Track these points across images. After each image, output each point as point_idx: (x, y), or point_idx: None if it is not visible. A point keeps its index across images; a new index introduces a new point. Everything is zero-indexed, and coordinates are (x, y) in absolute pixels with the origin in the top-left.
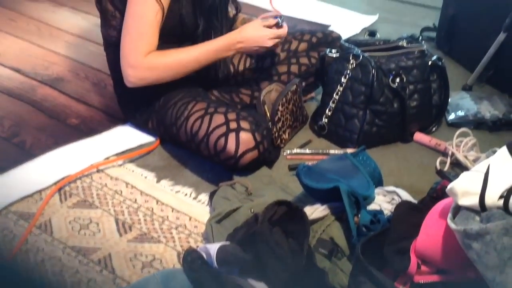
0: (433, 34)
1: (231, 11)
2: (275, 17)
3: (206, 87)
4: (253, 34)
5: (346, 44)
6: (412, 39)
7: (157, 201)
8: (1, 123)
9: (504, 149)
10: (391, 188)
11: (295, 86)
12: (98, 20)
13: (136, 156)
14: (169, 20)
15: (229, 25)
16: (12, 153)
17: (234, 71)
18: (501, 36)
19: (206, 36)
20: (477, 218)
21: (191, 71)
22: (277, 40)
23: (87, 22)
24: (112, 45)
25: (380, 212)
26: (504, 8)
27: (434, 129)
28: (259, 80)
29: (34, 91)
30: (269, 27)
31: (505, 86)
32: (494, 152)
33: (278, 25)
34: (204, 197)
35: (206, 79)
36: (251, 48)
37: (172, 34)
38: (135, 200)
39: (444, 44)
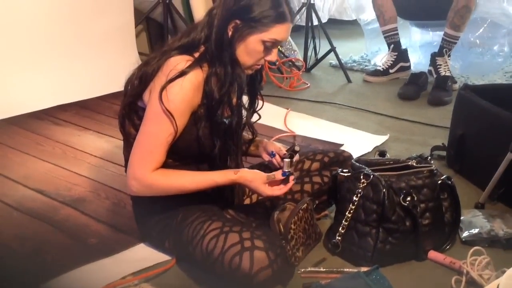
0: (443, 153)
1: (248, 135)
2: (284, 173)
3: (222, 206)
4: (249, 184)
5: (357, 164)
6: (421, 158)
7: None
8: (22, 243)
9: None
10: None
11: (305, 204)
12: (119, 142)
13: (152, 275)
14: (187, 141)
15: (245, 148)
16: (31, 273)
17: (249, 202)
18: (509, 156)
19: (223, 158)
20: None
21: (190, 193)
22: (275, 192)
23: (110, 144)
24: None
25: None
26: (510, 128)
27: (448, 247)
28: (273, 199)
29: (56, 212)
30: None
31: None
32: (504, 272)
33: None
34: None
35: (221, 199)
36: (250, 189)
37: (190, 153)
38: None
39: (455, 162)
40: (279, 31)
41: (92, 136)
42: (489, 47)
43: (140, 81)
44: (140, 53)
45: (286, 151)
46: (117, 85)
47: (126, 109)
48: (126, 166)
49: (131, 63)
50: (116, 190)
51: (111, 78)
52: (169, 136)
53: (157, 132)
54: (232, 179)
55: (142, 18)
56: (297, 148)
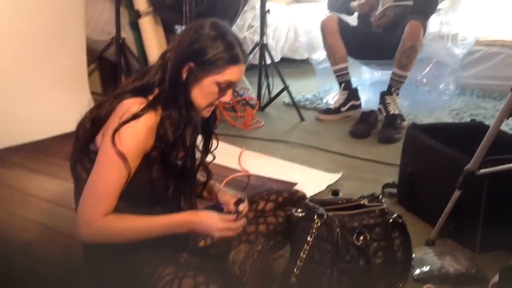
0: (395, 190)
1: (202, 177)
2: (234, 212)
3: (175, 249)
4: (206, 221)
5: (311, 204)
6: (373, 197)
7: None
8: None
9: None
10: None
11: (261, 245)
12: (71, 185)
13: None
14: (139, 184)
15: (199, 191)
16: None
17: (204, 244)
18: (457, 193)
19: (176, 200)
20: None
21: (143, 239)
22: (226, 233)
23: (61, 187)
24: None
25: None
26: (457, 166)
27: (400, 285)
28: (228, 241)
29: (4, 259)
30: (227, 219)
31: (466, 240)
32: None
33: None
34: None
35: (175, 242)
36: (200, 231)
37: (143, 196)
38: None
39: (405, 200)
40: (233, 73)
41: (42, 178)
42: (436, 85)
43: (92, 124)
44: (92, 93)
45: (234, 203)
46: (69, 126)
47: (78, 152)
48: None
49: (83, 103)
50: (67, 235)
51: (63, 119)
52: (122, 179)
53: (109, 176)
54: (189, 220)
55: (95, 58)
56: (243, 198)
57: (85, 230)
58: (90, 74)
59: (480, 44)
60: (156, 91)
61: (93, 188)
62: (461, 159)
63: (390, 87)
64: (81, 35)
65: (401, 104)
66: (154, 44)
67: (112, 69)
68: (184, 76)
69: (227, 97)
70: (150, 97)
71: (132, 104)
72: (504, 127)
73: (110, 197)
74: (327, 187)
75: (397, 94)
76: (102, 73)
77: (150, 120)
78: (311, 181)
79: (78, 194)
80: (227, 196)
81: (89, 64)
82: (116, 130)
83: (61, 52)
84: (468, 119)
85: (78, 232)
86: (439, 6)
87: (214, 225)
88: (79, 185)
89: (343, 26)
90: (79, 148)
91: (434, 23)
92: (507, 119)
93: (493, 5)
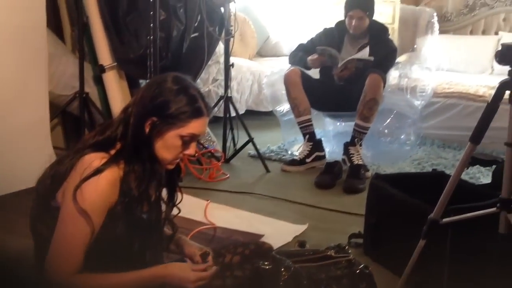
0: (361, 240)
1: (168, 231)
2: (205, 260)
3: None
4: (178, 273)
5: (278, 256)
6: (339, 248)
7: None
8: None
9: None
10: None
11: None
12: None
13: None
14: (103, 239)
15: (165, 245)
16: None
17: None
18: (421, 243)
19: (141, 255)
20: None
21: None
22: (200, 283)
23: (20, 244)
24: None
25: None
26: (421, 215)
27: None
28: None
29: None
30: (198, 269)
31: None
32: None
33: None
34: None
35: None
36: (173, 284)
37: (106, 252)
38: None
39: (371, 250)
40: (196, 126)
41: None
42: (397, 136)
43: (52, 180)
44: (55, 147)
45: (200, 256)
46: (31, 181)
47: (38, 209)
48: (37, 270)
49: (45, 158)
50: None
51: (24, 174)
52: (86, 236)
53: (72, 234)
54: (160, 274)
55: (58, 112)
56: (208, 251)
57: None
58: (53, 129)
59: (438, 96)
60: (118, 145)
61: (58, 248)
62: (424, 208)
63: (353, 138)
64: (44, 89)
65: (364, 155)
66: (119, 98)
67: (75, 123)
68: (147, 130)
69: (191, 150)
70: (112, 152)
71: (94, 159)
72: (464, 176)
73: (76, 255)
74: (294, 238)
75: (360, 145)
76: (65, 128)
77: (112, 175)
78: (278, 232)
79: (38, 251)
80: (193, 249)
81: (52, 118)
82: (77, 187)
83: (23, 107)
84: (429, 169)
85: None
86: (397, 60)
87: (186, 277)
88: (39, 243)
89: (306, 79)
90: (39, 204)
91: (393, 76)
92: (467, 168)
93: (449, 58)
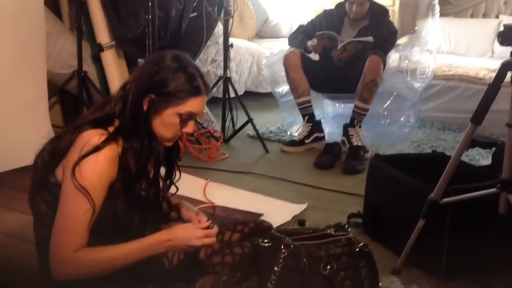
0: (360, 220)
1: (166, 207)
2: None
3: (141, 279)
4: (183, 234)
5: (277, 234)
6: (339, 227)
7: None
8: None
9: None
10: None
11: (225, 276)
12: (30, 218)
13: None
14: (103, 216)
15: (164, 220)
16: None
17: (168, 264)
18: (421, 222)
19: (140, 232)
20: None
21: (120, 268)
22: (205, 241)
23: (20, 220)
24: (43, 245)
25: None
26: (420, 196)
27: None
28: (193, 272)
29: None
30: (202, 226)
31: (431, 269)
32: None
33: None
34: None
35: (139, 268)
36: (180, 246)
37: (106, 229)
38: None
39: (370, 229)
40: (194, 104)
41: (1, 212)
42: (396, 118)
43: (51, 156)
44: (53, 126)
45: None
46: (29, 159)
47: (36, 185)
48: (37, 245)
49: (44, 136)
50: (26, 270)
51: (23, 152)
52: (87, 213)
53: (74, 211)
54: (164, 238)
55: (56, 91)
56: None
57: (60, 268)
58: (51, 107)
59: (439, 78)
60: (117, 122)
61: (61, 226)
62: (424, 189)
63: (352, 119)
64: (42, 68)
65: (363, 136)
66: (117, 77)
67: (73, 102)
68: (145, 107)
69: (189, 128)
70: (111, 129)
71: (92, 136)
72: (463, 158)
73: (79, 232)
74: (293, 217)
75: (360, 127)
76: (63, 107)
77: (111, 152)
78: (277, 212)
79: (37, 227)
80: (190, 213)
81: (50, 97)
82: (76, 164)
83: (21, 85)
84: (429, 151)
85: (53, 272)
86: (397, 42)
87: (192, 234)
88: (38, 219)
89: (306, 61)
90: (37, 180)
91: (393, 58)
92: (467, 150)
93: (449, 41)
